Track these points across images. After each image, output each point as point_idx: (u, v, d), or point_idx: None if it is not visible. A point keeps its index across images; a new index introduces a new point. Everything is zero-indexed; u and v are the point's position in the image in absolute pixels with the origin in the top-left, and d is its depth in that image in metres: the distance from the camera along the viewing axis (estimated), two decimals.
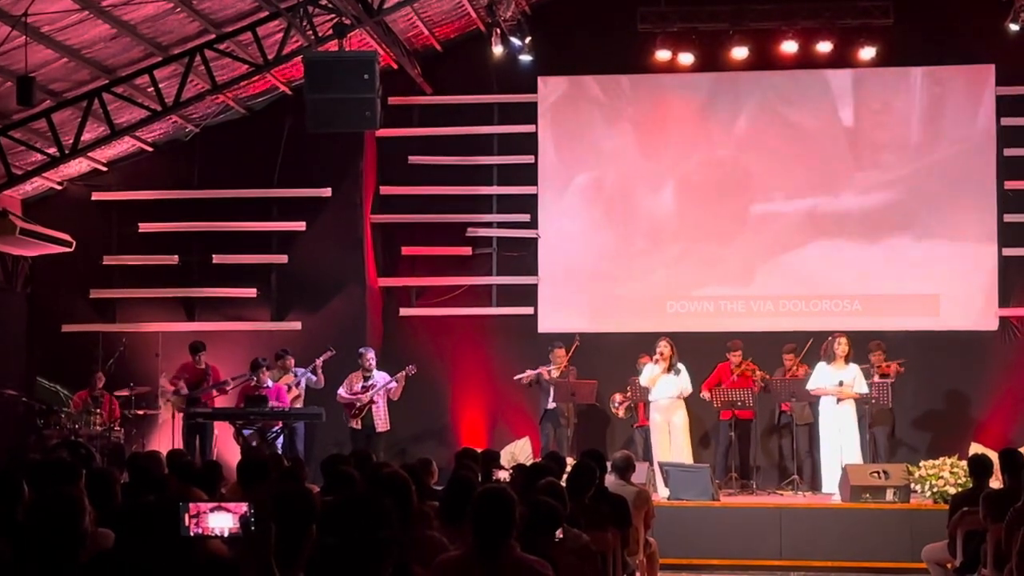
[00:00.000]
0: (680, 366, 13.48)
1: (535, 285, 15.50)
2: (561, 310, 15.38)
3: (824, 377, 13.05)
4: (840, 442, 12.91)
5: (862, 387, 13.02)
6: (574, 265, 15.48)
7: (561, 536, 5.58)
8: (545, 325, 15.34)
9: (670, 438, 13.44)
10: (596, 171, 15.58)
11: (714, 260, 15.30)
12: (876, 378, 13.31)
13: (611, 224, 15.47)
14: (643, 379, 13.50)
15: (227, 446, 13.91)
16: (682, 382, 13.48)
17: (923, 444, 14.44)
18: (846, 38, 14.55)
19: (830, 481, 12.81)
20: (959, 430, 14.40)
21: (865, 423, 13.21)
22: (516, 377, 14.37)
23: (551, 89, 15.60)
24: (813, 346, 13.57)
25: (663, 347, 13.43)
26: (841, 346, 13.08)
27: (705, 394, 13.76)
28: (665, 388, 13.41)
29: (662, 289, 15.33)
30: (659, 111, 15.56)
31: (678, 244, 15.41)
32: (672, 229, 15.43)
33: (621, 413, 14.17)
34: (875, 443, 13.42)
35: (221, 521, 3.94)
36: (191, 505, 3.95)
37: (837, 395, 12.98)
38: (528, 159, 15.58)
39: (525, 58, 14.62)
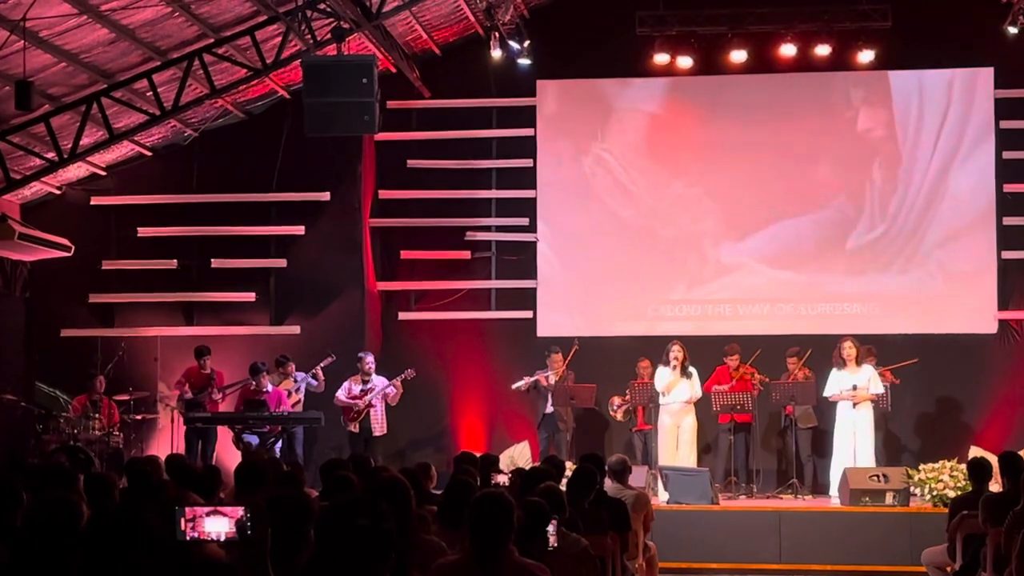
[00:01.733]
0: (692, 369, 13.51)
1: (534, 289, 15.49)
2: (560, 314, 15.37)
3: (839, 383, 13.07)
4: (855, 445, 12.92)
5: (877, 387, 13.08)
6: (573, 269, 15.47)
7: (554, 536, 5.58)
8: (544, 329, 15.33)
9: (677, 442, 13.45)
10: (594, 175, 15.56)
11: (714, 263, 15.28)
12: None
13: (610, 227, 15.45)
14: (658, 384, 13.49)
15: (226, 451, 13.90)
16: (694, 385, 13.50)
17: (922, 447, 14.42)
18: (845, 41, 14.54)
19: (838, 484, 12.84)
20: (958, 433, 14.38)
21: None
22: (514, 386, 14.35)
23: (549, 93, 15.60)
24: (815, 350, 13.59)
25: (676, 351, 13.44)
26: (848, 349, 13.12)
27: (720, 386, 13.68)
28: (679, 392, 13.43)
29: (662, 292, 15.32)
30: (657, 114, 15.55)
31: (678, 247, 15.39)
32: (671, 232, 15.41)
33: (619, 416, 14.14)
34: (875, 446, 13.41)
35: (217, 525, 3.93)
36: (187, 509, 3.94)
37: (853, 400, 13.00)
38: (527, 163, 15.57)
39: (524, 62, 14.61)
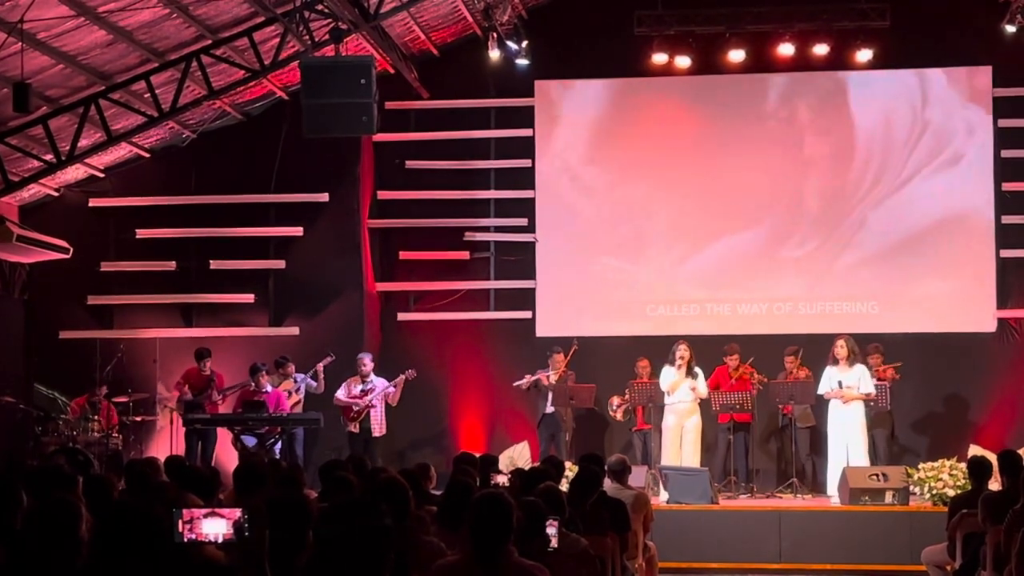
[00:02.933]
0: (697, 369, 13.50)
1: (533, 289, 15.49)
2: (559, 314, 15.35)
3: (828, 381, 13.09)
4: (846, 444, 12.92)
5: (868, 387, 13.05)
6: (572, 269, 15.45)
7: (555, 536, 5.58)
8: (543, 329, 15.32)
9: (681, 442, 13.44)
10: (593, 174, 15.56)
11: (713, 263, 15.27)
12: (875, 381, 13.31)
13: (609, 227, 15.44)
14: (663, 384, 13.47)
15: (225, 452, 13.89)
16: (700, 385, 13.48)
17: (922, 446, 14.42)
18: (843, 40, 14.54)
19: (835, 483, 12.81)
20: (958, 432, 14.37)
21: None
22: (515, 383, 14.36)
23: (548, 93, 15.59)
24: (815, 350, 13.58)
25: (683, 351, 13.44)
26: (840, 348, 13.11)
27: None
28: (684, 392, 13.42)
29: (661, 292, 15.31)
30: (656, 114, 15.54)
31: (677, 247, 15.38)
32: (671, 232, 15.40)
33: (619, 416, 14.13)
34: (874, 445, 13.42)
35: (215, 527, 3.93)
36: (184, 511, 3.94)
37: (838, 397, 13.00)
38: (525, 163, 15.57)
39: (522, 62, 14.62)
